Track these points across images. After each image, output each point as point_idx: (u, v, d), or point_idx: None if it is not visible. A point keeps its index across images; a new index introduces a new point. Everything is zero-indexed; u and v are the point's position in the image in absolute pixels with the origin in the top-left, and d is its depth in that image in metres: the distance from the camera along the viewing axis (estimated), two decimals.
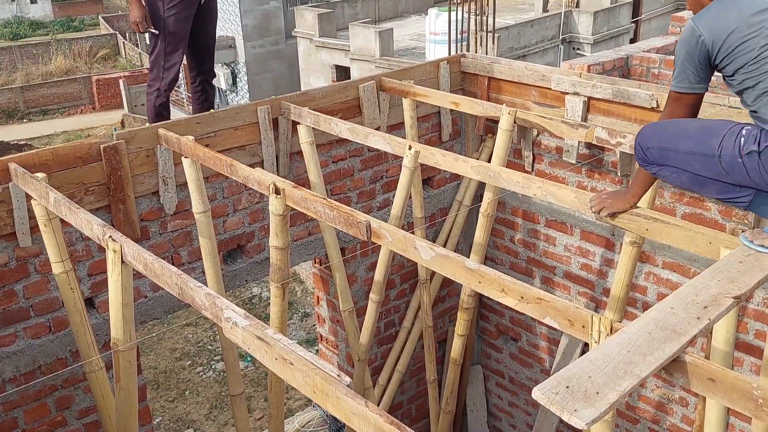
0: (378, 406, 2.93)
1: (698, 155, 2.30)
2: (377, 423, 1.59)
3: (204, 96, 4.51)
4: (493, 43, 9.98)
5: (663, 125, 2.46)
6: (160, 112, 4.21)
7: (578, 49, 15.83)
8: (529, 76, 4.39)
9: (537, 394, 1.66)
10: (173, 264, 3.70)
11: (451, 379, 4.78)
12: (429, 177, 4.87)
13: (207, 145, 3.48)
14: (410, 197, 4.26)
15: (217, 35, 4.58)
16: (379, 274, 4.05)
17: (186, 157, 3.28)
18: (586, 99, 4.09)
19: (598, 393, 1.64)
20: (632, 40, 16.50)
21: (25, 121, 31.65)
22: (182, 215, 3.74)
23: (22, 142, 25.19)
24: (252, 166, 3.42)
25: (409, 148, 3.39)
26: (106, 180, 3.38)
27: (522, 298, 2.20)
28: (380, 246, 3.62)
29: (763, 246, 2.29)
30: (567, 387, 1.66)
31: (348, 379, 1.70)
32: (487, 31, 9.01)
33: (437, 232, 5.01)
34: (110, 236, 2.50)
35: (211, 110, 4.03)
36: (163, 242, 3.73)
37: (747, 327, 3.78)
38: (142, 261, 2.40)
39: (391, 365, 5.01)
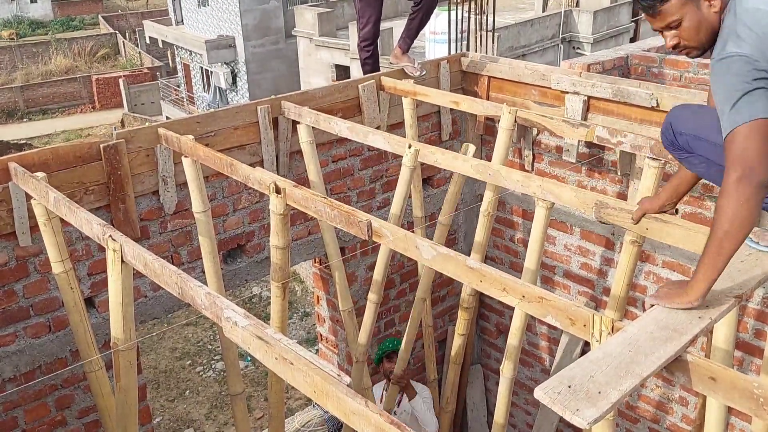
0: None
1: None
2: (378, 422, 1.59)
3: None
4: (493, 43, 9.97)
5: (699, 111, 2.32)
6: (365, 65, 4.63)
7: (578, 48, 15.85)
8: (529, 76, 4.39)
9: (539, 393, 1.66)
10: (173, 263, 3.69)
11: (452, 379, 4.78)
12: (429, 176, 4.86)
13: (207, 145, 3.47)
14: (410, 196, 4.26)
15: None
16: (378, 274, 4.04)
17: (186, 156, 3.27)
18: (586, 98, 4.08)
19: (600, 392, 1.64)
20: (632, 39, 16.52)
21: (24, 120, 31.65)
22: (182, 215, 3.74)
23: (22, 142, 25.22)
24: (252, 165, 3.41)
25: (409, 147, 3.38)
26: (105, 179, 3.38)
27: (523, 297, 2.19)
28: (380, 245, 3.62)
29: None
30: (569, 386, 1.66)
31: (348, 379, 1.69)
32: (486, 31, 8.98)
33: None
34: (110, 236, 2.50)
35: (212, 109, 4.04)
36: (162, 242, 3.73)
37: (747, 326, 3.78)
38: (141, 260, 2.40)
39: None
